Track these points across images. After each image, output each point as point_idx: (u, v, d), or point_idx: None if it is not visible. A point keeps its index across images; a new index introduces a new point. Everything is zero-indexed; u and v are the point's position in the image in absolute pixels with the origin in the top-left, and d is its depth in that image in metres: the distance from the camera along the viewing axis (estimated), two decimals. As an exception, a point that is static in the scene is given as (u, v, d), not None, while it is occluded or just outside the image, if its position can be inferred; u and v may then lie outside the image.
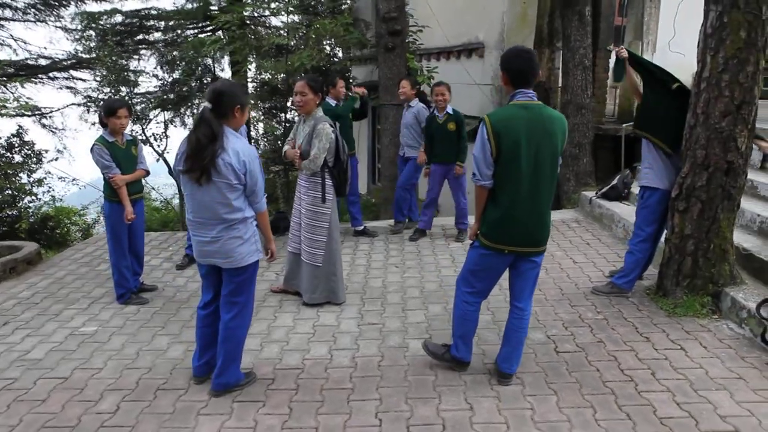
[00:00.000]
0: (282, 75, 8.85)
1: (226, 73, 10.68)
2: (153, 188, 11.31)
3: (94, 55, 9.69)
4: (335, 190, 3.98)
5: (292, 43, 8.83)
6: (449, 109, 5.20)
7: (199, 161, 2.59)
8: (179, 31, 10.42)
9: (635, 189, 5.89)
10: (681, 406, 2.79)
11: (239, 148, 2.67)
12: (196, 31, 10.79)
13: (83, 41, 10.42)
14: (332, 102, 5.27)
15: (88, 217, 10.22)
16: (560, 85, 6.75)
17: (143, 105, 9.23)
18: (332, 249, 4.01)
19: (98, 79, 8.97)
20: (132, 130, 8.88)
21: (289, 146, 3.99)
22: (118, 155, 4.03)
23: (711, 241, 3.65)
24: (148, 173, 4.31)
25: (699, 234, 3.66)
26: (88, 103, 9.70)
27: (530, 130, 2.68)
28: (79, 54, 10.68)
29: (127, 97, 8.44)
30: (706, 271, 3.71)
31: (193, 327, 3.63)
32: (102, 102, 4.37)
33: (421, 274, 4.70)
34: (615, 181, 5.95)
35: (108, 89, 8.32)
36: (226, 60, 10.35)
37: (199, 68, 9.21)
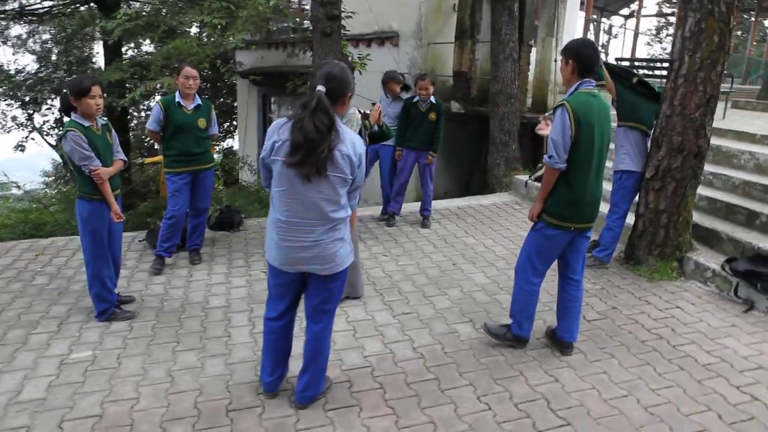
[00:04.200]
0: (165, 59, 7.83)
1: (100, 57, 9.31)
2: (18, 185, 9.34)
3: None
4: None
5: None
6: (432, 99, 5.28)
7: (315, 153, 2.30)
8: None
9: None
10: (711, 353, 3.30)
11: (353, 138, 2.45)
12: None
13: None
14: None
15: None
16: (490, 75, 7.20)
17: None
18: (353, 242, 3.85)
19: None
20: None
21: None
22: (97, 143, 3.37)
23: (680, 215, 4.31)
24: (126, 164, 3.68)
25: (671, 209, 4.29)
26: None
27: (599, 116, 2.92)
28: None
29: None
30: (674, 240, 4.37)
31: (214, 338, 3.37)
32: (65, 81, 3.58)
33: (415, 261, 4.74)
34: (548, 166, 6.57)
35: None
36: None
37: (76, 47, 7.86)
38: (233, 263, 4.64)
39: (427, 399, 2.83)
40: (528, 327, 3.27)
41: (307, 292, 2.63)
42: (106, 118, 3.60)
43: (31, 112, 7.34)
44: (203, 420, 2.64)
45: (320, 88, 2.33)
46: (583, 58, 2.89)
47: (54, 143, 7.60)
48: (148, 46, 10.90)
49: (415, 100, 5.35)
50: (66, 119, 3.40)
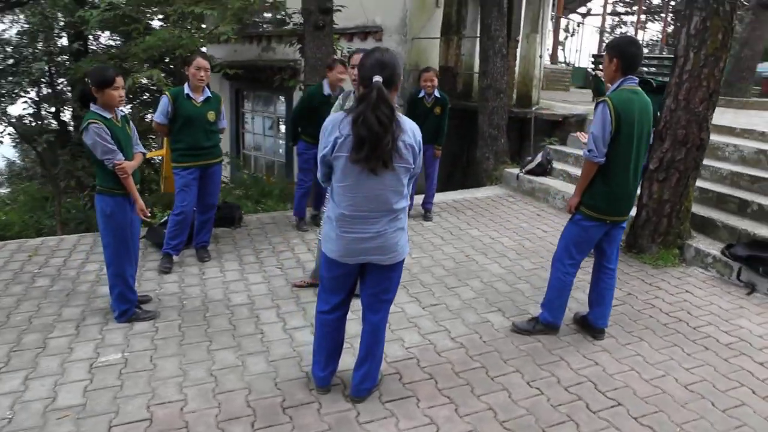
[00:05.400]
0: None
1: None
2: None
3: None
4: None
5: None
6: (437, 93, 5.29)
7: (381, 146, 2.25)
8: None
9: (557, 165, 6.80)
10: (729, 334, 3.49)
11: (412, 125, 2.43)
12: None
13: None
14: (327, 89, 4.82)
15: None
16: (478, 70, 7.29)
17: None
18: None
19: None
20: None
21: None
22: (119, 135, 3.21)
23: (682, 204, 4.52)
24: (145, 157, 3.52)
25: (674, 198, 4.49)
26: None
27: (640, 113, 3.02)
28: None
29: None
30: (676, 228, 4.58)
31: (247, 335, 3.32)
32: (89, 72, 3.38)
33: (427, 253, 4.76)
34: (540, 159, 6.75)
35: None
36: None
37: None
38: (244, 260, 4.52)
39: (479, 387, 2.86)
40: (560, 315, 3.36)
41: (365, 283, 2.60)
42: (123, 110, 3.44)
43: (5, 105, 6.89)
44: (261, 419, 2.57)
45: (377, 78, 2.28)
46: (627, 56, 2.98)
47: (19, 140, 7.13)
48: (110, 39, 10.41)
49: (420, 95, 5.35)
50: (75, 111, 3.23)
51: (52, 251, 4.60)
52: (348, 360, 2.89)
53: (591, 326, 3.39)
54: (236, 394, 2.75)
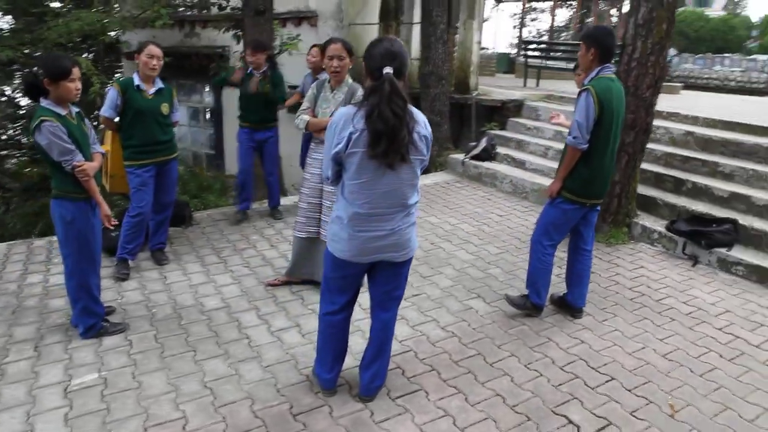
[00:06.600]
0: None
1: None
2: None
3: None
4: None
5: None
6: None
7: (398, 139, 2.20)
8: None
9: (500, 150, 7.01)
10: (687, 304, 3.80)
11: (422, 116, 2.39)
12: None
13: None
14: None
15: None
16: (419, 57, 7.31)
17: None
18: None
19: None
20: None
21: (309, 116, 3.53)
22: (76, 134, 2.88)
23: (630, 185, 4.82)
24: (104, 157, 3.19)
25: (624, 180, 4.78)
26: None
27: (618, 99, 3.17)
28: None
29: None
30: (624, 208, 4.89)
31: (232, 341, 3.19)
32: (41, 61, 2.96)
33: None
34: (484, 144, 6.91)
35: None
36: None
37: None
38: (205, 260, 4.26)
39: (481, 374, 2.91)
40: (545, 295, 3.49)
41: (376, 281, 2.54)
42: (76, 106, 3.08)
43: None
44: (273, 428, 2.45)
45: (388, 69, 2.22)
46: (604, 46, 3.11)
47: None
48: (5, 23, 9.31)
49: None
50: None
51: (-20, 263, 4.09)
52: (347, 360, 2.82)
53: (570, 306, 3.55)
54: (239, 405, 2.60)
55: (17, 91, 11.83)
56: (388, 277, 2.51)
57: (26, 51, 6.49)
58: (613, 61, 3.25)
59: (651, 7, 4.33)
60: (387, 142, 2.20)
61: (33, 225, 9.14)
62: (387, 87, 2.20)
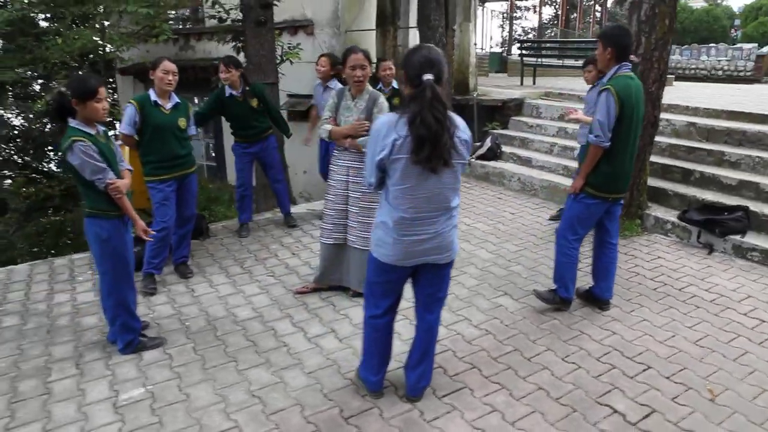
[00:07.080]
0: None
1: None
2: None
3: None
4: None
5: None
6: (394, 84, 5.27)
7: (441, 145, 2.25)
8: None
9: (504, 148, 7.09)
10: (709, 291, 3.88)
11: (462, 121, 2.44)
12: None
13: None
14: (228, 90, 4.68)
15: None
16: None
17: None
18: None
19: None
20: None
21: (331, 125, 3.57)
22: (105, 153, 2.90)
23: (641, 178, 4.91)
24: (131, 174, 3.21)
25: (635, 173, 4.85)
26: None
27: (637, 97, 3.25)
28: None
29: None
30: (636, 200, 4.98)
31: (271, 350, 3.21)
32: (68, 82, 2.98)
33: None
34: (489, 144, 6.99)
35: None
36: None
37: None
38: (229, 271, 4.28)
39: (521, 369, 2.96)
40: (573, 289, 3.55)
41: (420, 283, 2.59)
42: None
43: None
44: (326, 432, 2.49)
45: (428, 77, 2.28)
46: (621, 45, 3.18)
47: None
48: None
49: (378, 87, 5.32)
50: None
51: (5, 285, 4.07)
52: (391, 361, 2.86)
53: (598, 298, 3.61)
54: (289, 412, 2.63)
55: (8, 110, 11.75)
56: (432, 280, 2.56)
57: (28, 72, 6.48)
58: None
59: (653, 4, 4.44)
60: (430, 148, 2.25)
61: (37, 245, 9.12)
62: (428, 93, 2.25)
